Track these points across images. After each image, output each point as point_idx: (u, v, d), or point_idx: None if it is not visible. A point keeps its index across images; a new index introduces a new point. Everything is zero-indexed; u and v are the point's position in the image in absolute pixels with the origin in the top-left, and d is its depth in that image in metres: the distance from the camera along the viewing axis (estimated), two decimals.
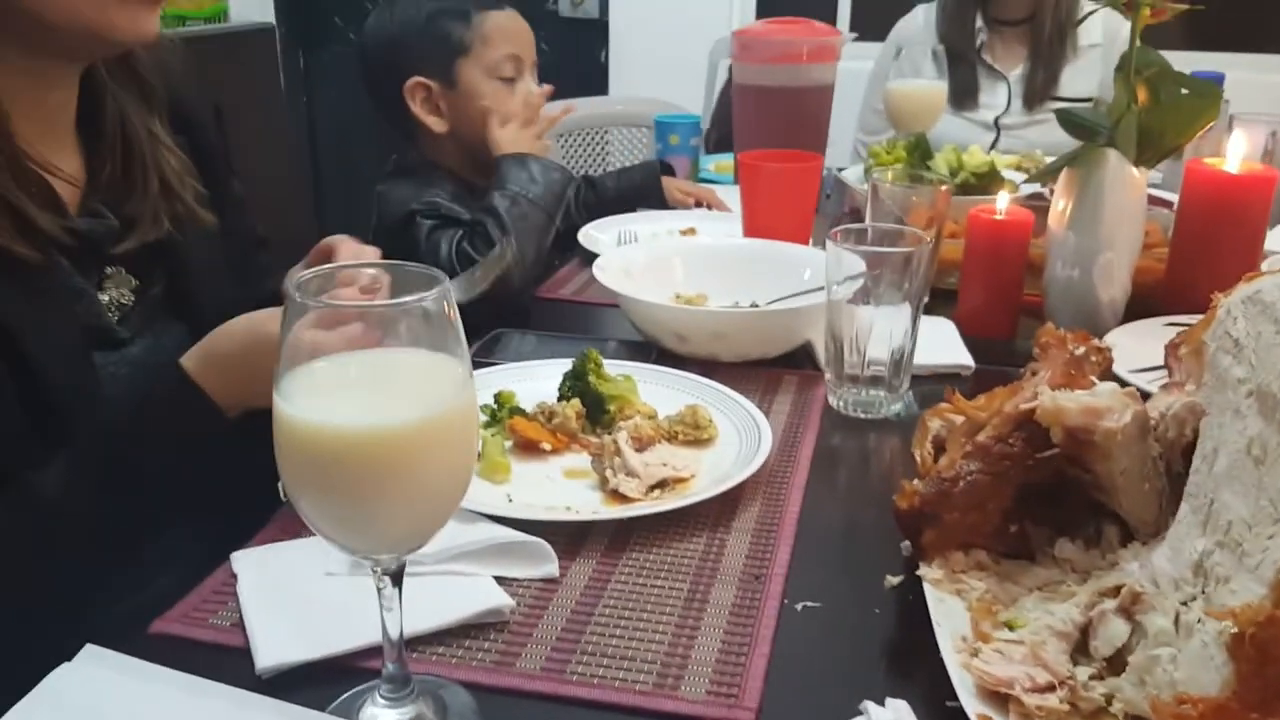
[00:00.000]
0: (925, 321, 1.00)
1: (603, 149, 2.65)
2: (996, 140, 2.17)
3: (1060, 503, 0.72)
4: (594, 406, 0.92)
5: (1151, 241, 1.29)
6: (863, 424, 0.97)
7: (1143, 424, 0.67)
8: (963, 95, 2.17)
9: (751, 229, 1.36)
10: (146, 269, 0.91)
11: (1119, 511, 0.69)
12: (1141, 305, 1.18)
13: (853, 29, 3.19)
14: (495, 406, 0.93)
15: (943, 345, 1.13)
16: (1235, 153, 1.15)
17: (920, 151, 1.66)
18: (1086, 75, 2.14)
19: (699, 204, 1.68)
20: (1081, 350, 0.76)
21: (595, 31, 3.27)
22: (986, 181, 1.59)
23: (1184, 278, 1.18)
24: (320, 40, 3.55)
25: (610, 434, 0.86)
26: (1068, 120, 1.14)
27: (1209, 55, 3.08)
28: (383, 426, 0.49)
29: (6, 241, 0.74)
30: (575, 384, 0.94)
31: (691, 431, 0.90)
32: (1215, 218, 1.15)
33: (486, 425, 0.92)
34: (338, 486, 0.51)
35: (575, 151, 2.58)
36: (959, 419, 0.75)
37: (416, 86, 1.40)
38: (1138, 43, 1.11)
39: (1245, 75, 2.96)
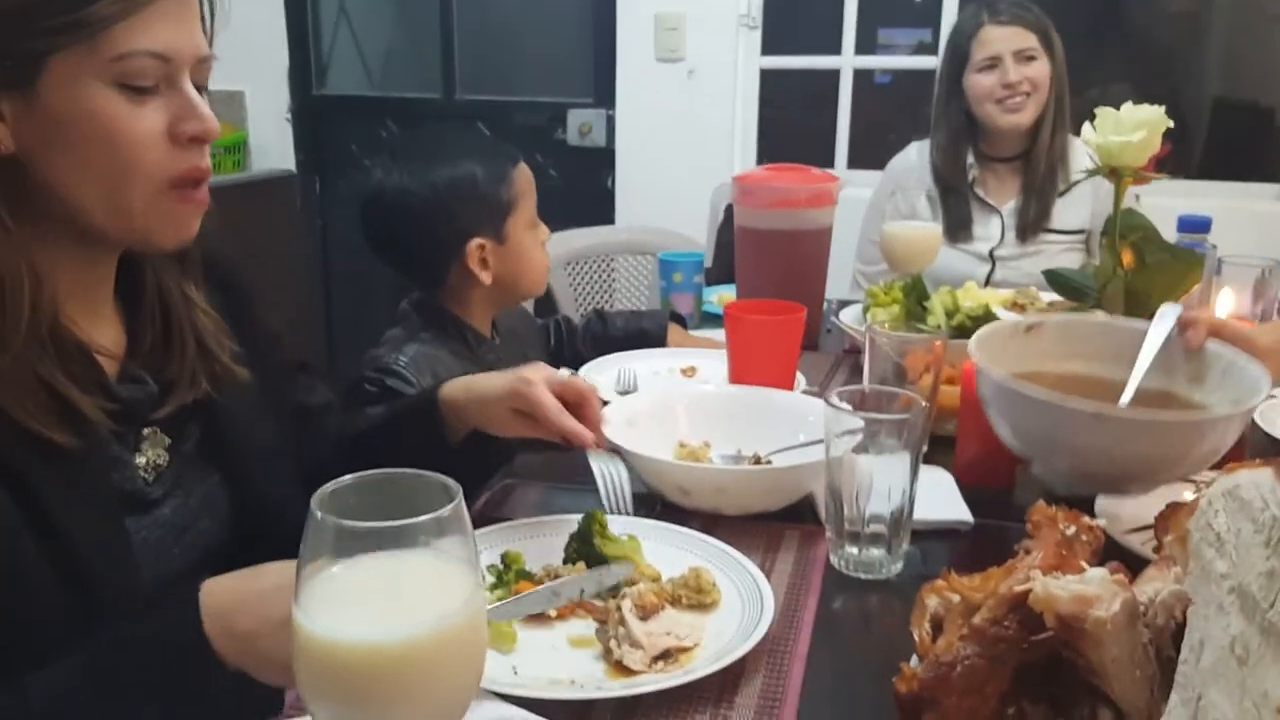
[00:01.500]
0: (924, 472, 1.03)
1: (609, 277, 2.72)
2: (992, 272, 2.22)
3: (1057, 682, 0.74)
4: (599, 567, 0.94)
5: None
6: (864, 585, 0.99)
7: (1132, 612, 0.69)
8: (957, 228, 2.24)
9: (737, 376, 1.39)
10: (181, 426, 0.94)
11: (1111, 696, 0.70)
12: None
13: (850, 163, 3.30)
14: (502, 568, 0.95)
15: (942, 500, 1.15)
16: (1223, 311, 1.19)
17: (917, 293, 1.71)
18: (1078, 208, 2.21)
19: None
20: (1072, 530, 0.78)
21: (602, 160, 3.38)
22: (982, 324, 1.62)
23: None
24: (336, 166, 3.67)
25: (615, 600, 0.87)
26: (1057, 281, 1.19)
27: (1197, 184, 3.18)
28: (396, 641, 0.52)
29: (47, 428, 0.77)
30: (580, 547, 0.96)
31: (695, 596, 0.92)
32: None
33: (493, 588, 0.94)
34: (352, 697, 0.53)
35: (582, 280, 2.64)
36: (955, 597, 0.77)
37: (475, 248, 1.46)
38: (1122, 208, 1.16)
39: (1234, 203, 3.06)
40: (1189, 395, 1.01)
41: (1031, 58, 2.14)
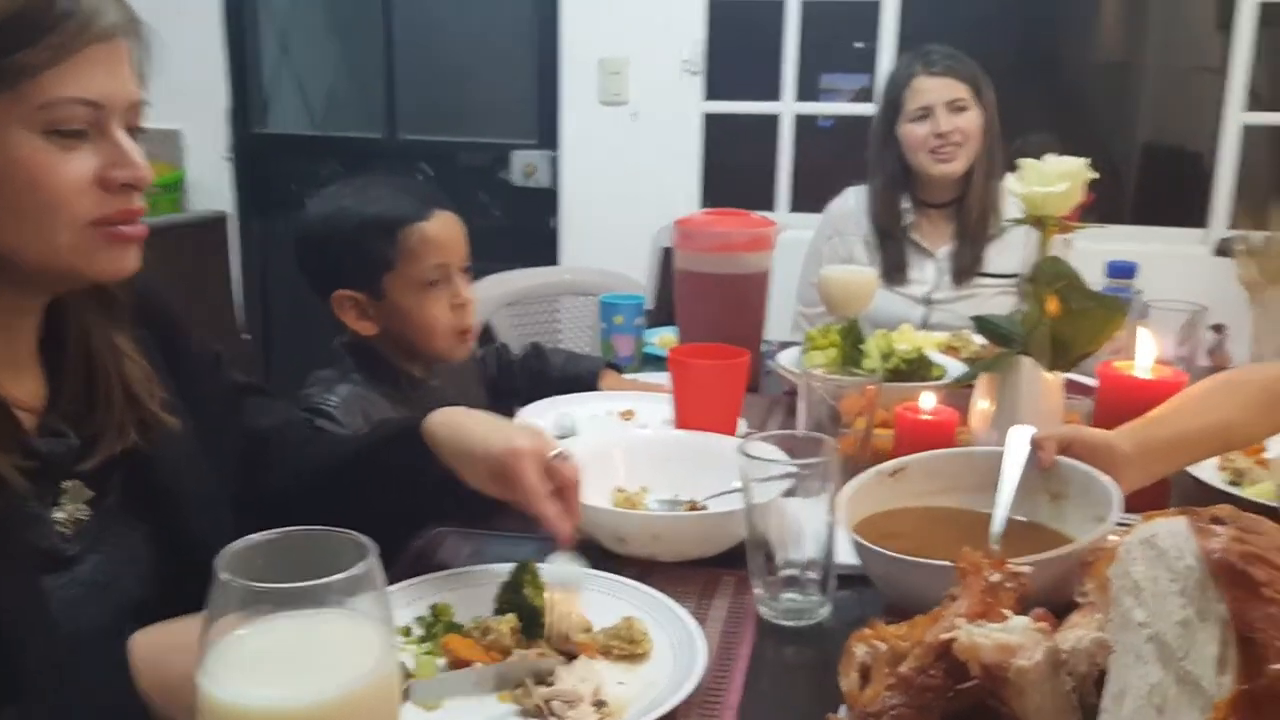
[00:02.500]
0: None
1: (553, 317, 2.71)
2: (928, 315, 2.25)
3: None
4: (530, 620, 0.93)
5: None
6: (797, 632, 0.99)
7: (1054, 660, 0.70)
8: (893, 272, 2.27)
9: (682, 421, 1.39)
10: (105, 478, 0.91)
11: None
12: None
13: (793, 207, 3.34)
14: (431, 620, 0.93)
15: None
16: (1145, 357, 1.22)
17: (853, 336, 1.72)
18: (1011, 252, 2.25)
19: None
20: (997, 577, 0.78)
21: (546, 201, 3.39)
22: (916, 366, 1.65)
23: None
24: (277, 205, 3.63)
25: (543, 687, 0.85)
26: (986, 328, 1.21)
27: (1128, 229, 3.27)
28: (304, 705, 0.50)
29: None
30: (511, 598, 0.94)
31: (627, 646, 0.91)
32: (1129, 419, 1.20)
33: (420, 641, 0.92)
34: None
35: (527, 320, 2.63)
36: (883, 645, 0.77)
37: (343, 298, 1.41)
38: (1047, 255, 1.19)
39: (1163, 248, 3.14)
40: (1052, 521, 1.03)
41: (963, 108, 2.19)
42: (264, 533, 0.55)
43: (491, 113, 3.56)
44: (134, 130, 0.84)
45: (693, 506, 1.21)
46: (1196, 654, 0.59)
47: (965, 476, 1.07)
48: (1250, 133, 3.15)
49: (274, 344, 3.77)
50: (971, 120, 2.19)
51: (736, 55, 3.40)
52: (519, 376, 1.69)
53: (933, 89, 2.19)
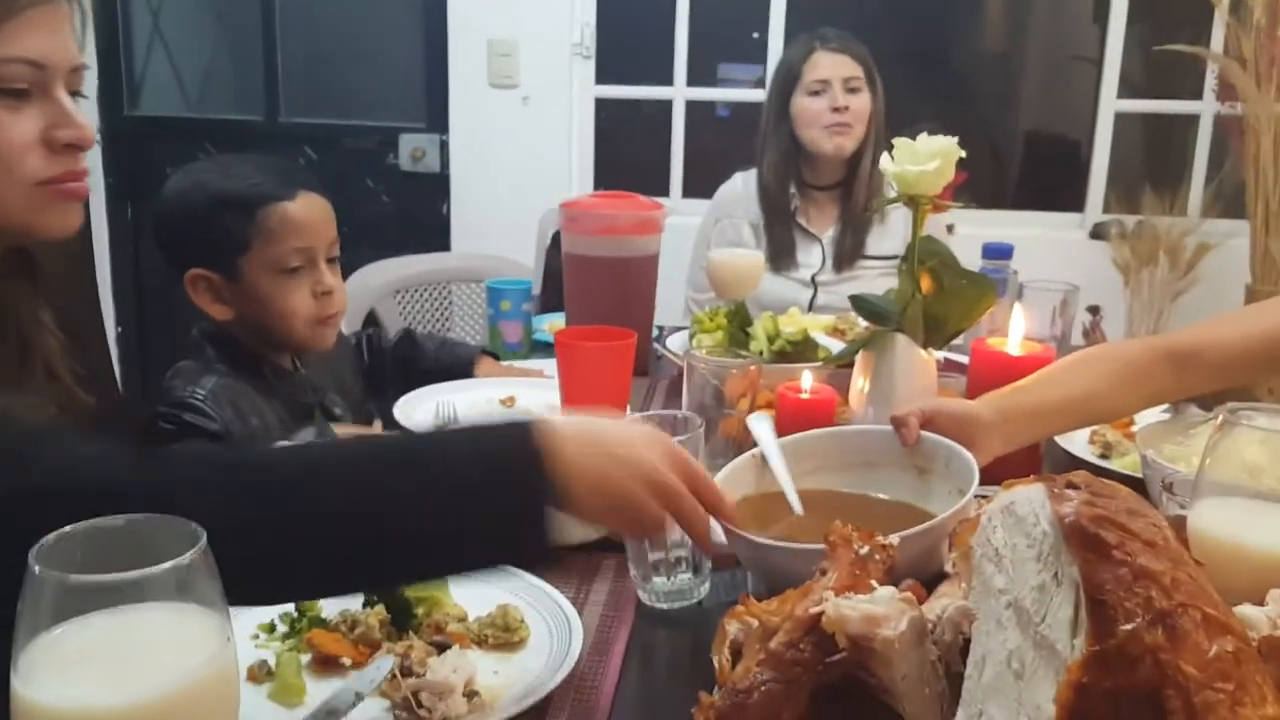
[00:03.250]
0: None
1: (446, 305, 2.66)
2: (815, 297, 2.28)
3: (855, 701, 0.74)
4: (400, 612, 0.90)
5: None
6: (677, 614, 0.98)
7: (920, 630, 0.70)
8: (781, 256, 2.29)
9: (570, 404, 1.38)
10: None
11: (903, 715, 0.71)
12: None
13: (690, 193, 3.34)
14: (295, 616, 0.90)
15: None
16: (1016, 333, 1.25)
17: (740, 318, 1.73)
18: (894, 235, 2.29)
19: None
20: (866, 549, 0.79)
21: (437, 186, 3.32)
22: (802, 348, 1.66)
23: None
24: (150, 190, 3.47)
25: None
26: (862, 306, 1.22)
27: (1011, 214, 3.37)
28: (124, 706, 0.47)
29: None
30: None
31: (502, 635, 0.89)
32: None
33: (285, 638, 0.88)
34: None
35: (418, 308, 2.58)
36: (755, 622, 0.77)
37: (197, 278, 1.34)
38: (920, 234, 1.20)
39: (1043, 232, 3.25)
40: (918, 496, 1.05)
41: (857, 89, 2.22)
42: (84, 522, 0.51)
43: (378, 95, 3.46)
44: (75, 94, 0.86)
45: None
46: (1052, 618, 0.60)
47: (835, 456, 1.07)
48: (1123, 120, 3.27)
49: (149, 338, 3.62)
50: (863, 102, 2.22)
51: (630, 40, 3.39)
52: (391, 365, 1.64)
53: (831, 65, 2.22)
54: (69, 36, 0.85)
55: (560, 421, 0.79)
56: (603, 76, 3.32)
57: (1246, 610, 0.65)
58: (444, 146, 3.30)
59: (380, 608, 0.90)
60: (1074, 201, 3.35)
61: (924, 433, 1.04)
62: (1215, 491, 0.79)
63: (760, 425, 1.12)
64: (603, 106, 3.35)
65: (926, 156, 1.14)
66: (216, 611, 0.51)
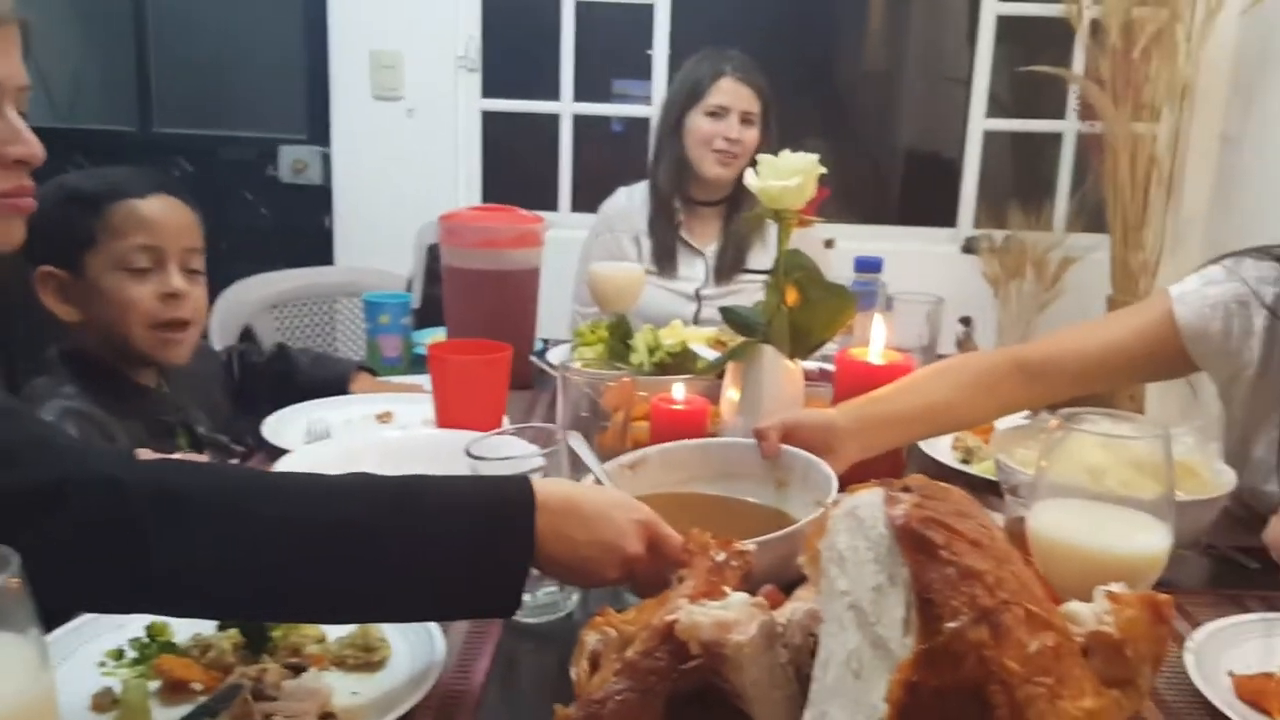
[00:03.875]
0: None
1: (329, 321, 2.61)
2: (699, 310, 2.31)
3: (711, 708, 0.75)
4: (255, 635, 0.87)
5: None
6: (545, 629, 0.97)
7: (770, 634, 0.71)
8: (666, 269, 2.31)
9: (444, 419, 1.36)
10: None
11: (755, 719, 0.72)
12: None
13: (582, 207, 3.35)
14: (145, 641, 0.86)
15: None
16: (877, 343, 1.29)
17: (621, 331, 1.74)
18: (774, 250, 2.33)
19: None
20: (722, 557, 0.80)
21: (319, 199, 3.26)
22: (682, 360, 1.68)
23: None
24: None
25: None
26: (731, 317, 1.24)
27: (892, 229, 3.47)
28: None
29: None
30: None
31: (362, 655, 0.87)
32: None
33: (133, 664, 0.85)
34: None
35: (298, 324, 2.52)
36: (614, 633, 0.77)
37: (45, 275, 1.30)
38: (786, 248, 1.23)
39: (921, 247, 3.36)
40: (778, 506, 1.09)
41: (752, 123, 2.26)
42: None
43: (257, 106, 3.39)
44: (22, 115, 0.90)
45: None
46: (887, 617, 0.61)
47: (701, 466, 1.09)
48: (993, 138, 3.41)
49: (15, 358, 3.44)
50: (754, 138, 2.26)
51: (516, 54, 3.38)
52: (263, 381, 1.60)
53: (734, 94, 2.25)
54: (17, 58, 0.89)
55: (540, 483, 0.83)
56: (490, 90, 3.31)
57: (1075, 607, 0.68)
58: (326, 159, 3.24)
59: (234, 631, 0.87)
60: (948, 217, 3.47)
61: (783, 446, 1.06)
62: (1053, 493, 0.83)
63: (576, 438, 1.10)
64: (492, 119, 3.34)
65: (789, 172, 1.16)
66: (28, 639, 0.49)
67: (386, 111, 3.20)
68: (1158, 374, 1.44)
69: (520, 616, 0.97)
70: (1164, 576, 1.09)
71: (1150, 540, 0.79)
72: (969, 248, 3.31)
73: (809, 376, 1.50)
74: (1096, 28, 2.93)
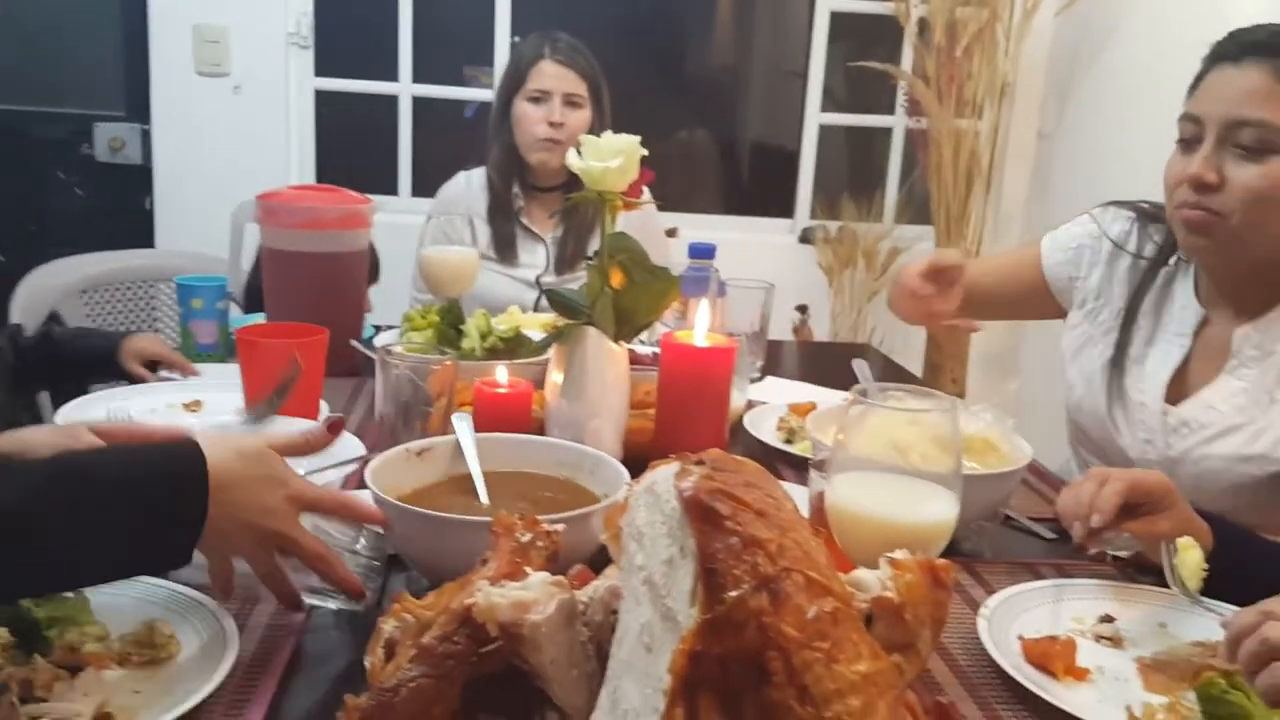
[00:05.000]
0: None
1: (149, 306, 2.47)
2: (540, 298, 2.29)
3: (513, 692, 0.74)
4: (28, 633, 0.81)
5: (649, 402, 1.41)
6: (351, 617, 0.94)
7: (569, 612, 0.71)
8: (506, 255, 2.29)
9: (255, 406, 1.30)
10: None
11: (553, 698, 0.71)
12: (638, 463, 1.27)
13: (429, 191, 3.27)
14: None
15: None
16: (701, 326, 1.30)
17: (453, 316, 1.71)
18: None
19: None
20: (528, 537, 0.79)
21: (138, 178, 3.08)
22: (513, 345, 1.66)
23: (669, 438, 1.29)
24: None
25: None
26: (555, 300, 1.23)
27: (732, 219, 3.53)
28: None
29: None
30: (5, 609, 0.82)
31: (148, 652, 0.82)
32: (688, 384, 1.27)
33: None
34: None
35: (111, 308, 2.37)
36: (411, 619, 0.75)
37: None
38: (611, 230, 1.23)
39: (761, 236, 3.43)
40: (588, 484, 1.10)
41: (578, 105, 2.23)
42: None
43: (71, 80, 3.16)
44: None
45: None
46: (676, 589, 0.61)
47: (489, 455, 1.08)
48: (828, 132, 3.51)
49: None
50: (582, 119, 2.22)
51: (354, 32, 3.27)
52: (33, 363, 1.49)
53: (555, 76, 2.21)
54: None
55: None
56: (326, 69, 3.19)
57: (861, 574, 0.70)
58: (146, 137, 3.06)
59: (3, 630, 0.81)
60: (787, 208, 3.55)
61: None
62: (849, 467, 0.85)
63: (460, 424, 1.11)
64: (331, 100, 3.22)
65: (610, 153, 1.16)
66: None
67: (211, 88, 3.05)
68: (1031, 310, 1.67)
69: (319, 603, 0.93)
70: (964, 547, 1.15)
71: (938, 510, 0.82)
72: (805, 238, 3.40)
73: (641, 360, 1.51)
74: (924, 26, 3.05)
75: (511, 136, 2.26)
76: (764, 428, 1.49)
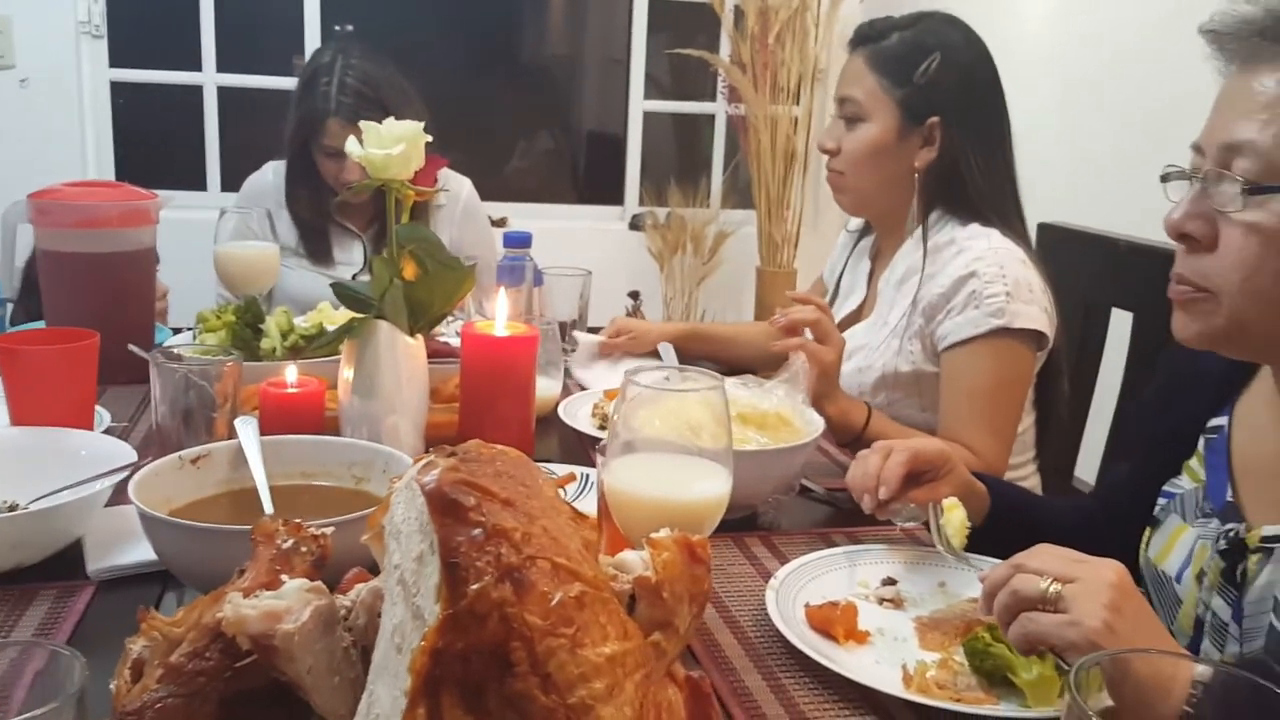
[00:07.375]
0: None
1: None
2: None
3: (278, 704, 0.71)
4: None
5: (453, 395, 1.39)
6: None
7: (327, 619, 0.68)
8: (319, 253, 2.21)
9: (20, 417, 1.21)
10: None
11: (317, 709, 0.68)
12: None
13: (226, 186, 3.12)
14: None
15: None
16: (501, 315, 1.28)
17: (251, 314, 1.63)
18: (442, 233, 2.28)
19: None
20: (291, 543, 0.75)
21: None
22: (315, 341, 1.60)
23: (473, 431, 1.25)
24: None
25: None
26: (341, 293, 1.19)
27: (566, 208, 3.52)
28: None
29: None
30: None
31: None
32: (491, 374, 1.25)
33: None
34: None
35: None
36: (160, 637, 0.71)
37: None
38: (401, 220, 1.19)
39: (592, 224, 3.43)
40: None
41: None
42: None
43: None
44: None
45: (11, 509, 1.05)
46: (424, 586, 0.59)
47: (274, 458, 1.04)
48: (654, 120, 3.53)
49: None
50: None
51: (144, 20, 3.09)
52: None
53: (343, 135, 2.10)
54: None
55: None
56: (122, 59, 3.01)
57: (626, 555, 0.69)
58: None
59: None
60: (618, 195, 3.57)
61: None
62: (624, 450, 0.85)
63: (243, 428, 1.06)
64: (132, 92, 3.04)
65: (392, 140, 1.12)
66: None
67: None
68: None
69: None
70: (761, 520, 1.17)
71: (708, 487, 0.83)
72: (635, 225, 3.42)
73: (439, 352, 1.48)
74: (739, 15, 3.11)
75: (317, 175, 2.16)
76: (579, 415, 1.48)
